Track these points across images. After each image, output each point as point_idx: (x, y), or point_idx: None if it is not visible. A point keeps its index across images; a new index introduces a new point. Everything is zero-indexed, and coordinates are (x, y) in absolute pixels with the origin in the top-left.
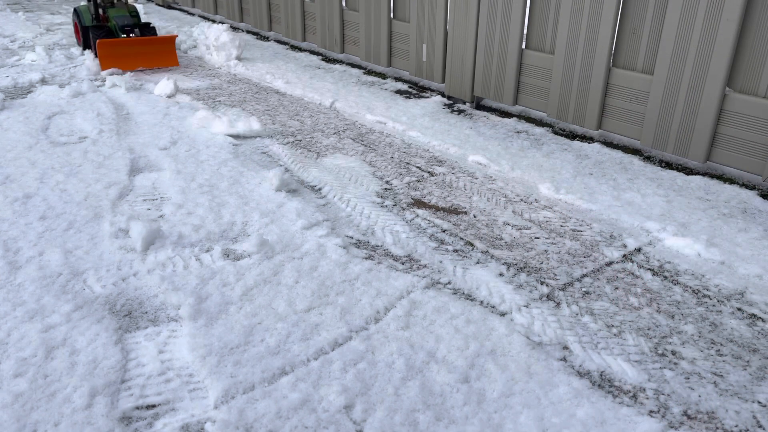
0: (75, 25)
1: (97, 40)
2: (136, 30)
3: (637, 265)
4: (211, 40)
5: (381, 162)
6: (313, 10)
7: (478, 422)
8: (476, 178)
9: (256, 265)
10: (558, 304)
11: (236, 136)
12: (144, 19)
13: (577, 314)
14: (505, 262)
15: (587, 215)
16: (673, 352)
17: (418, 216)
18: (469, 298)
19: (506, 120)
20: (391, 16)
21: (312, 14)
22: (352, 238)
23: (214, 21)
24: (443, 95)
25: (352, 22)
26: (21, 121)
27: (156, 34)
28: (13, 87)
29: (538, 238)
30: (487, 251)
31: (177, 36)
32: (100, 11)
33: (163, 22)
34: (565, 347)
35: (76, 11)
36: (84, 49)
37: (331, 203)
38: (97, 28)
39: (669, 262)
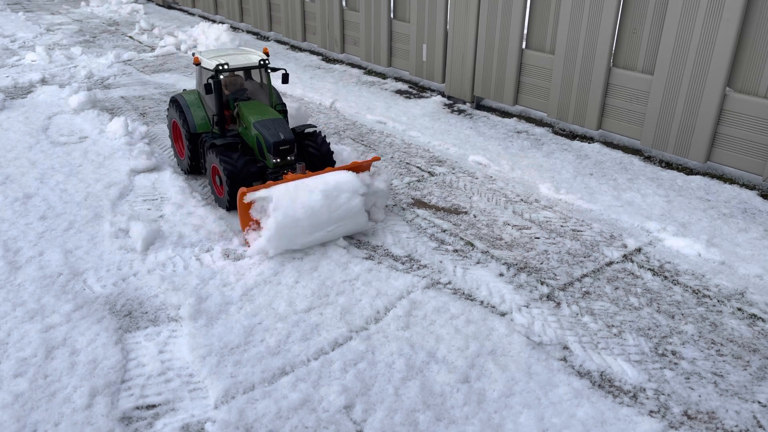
0: (173, 127)
1: (242, 192)
2: (293, 149)
3: (638, 265)
4: (211, 41)
5: (381, 162)
6: (313, 10)
7: (478, 422)
8: (476, 178)
9: (256, 265)
10: (558, 304)
11: None
12: (144, 18)
13: (577, 314)
14: (506, 262)
15: (587, 215)
16: (674, 352)
17: (418, 216)
18: (470, 298)
19: (506, 120)
20: (391, 16)
21: (312, 14)
22: (352, 238)
23: (214, 21)
24: (443, 95)
25: (352, 22)
26: (21, 121)
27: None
28: (13, 87)
29: (538, 238)
30: (487, 251)
31: (378, 158)
32: (224, 108)
33: (163, 22)
34: (566, 347)
35: (176, 104)
36: (188, 172)
37: None
38: (219, 140)
39: (669, 262)
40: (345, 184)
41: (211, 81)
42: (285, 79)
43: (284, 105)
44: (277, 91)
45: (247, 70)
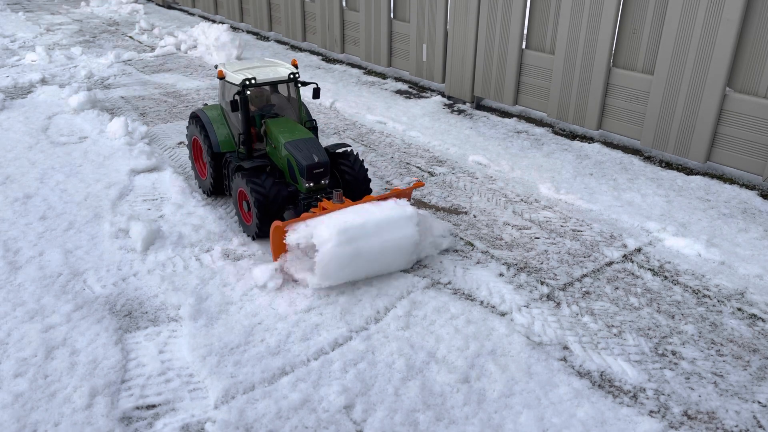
0: (194, 144)
1: (275, 225)
2: (325, 175)
3: (638, 265)
4: (211, 40)
5: (381, 162)
6: (313, 10)
7: (479, 422)
8: (476, 178)
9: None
10: (558, 304)
11: None
12: (144, 18)
13: (577, 314)
14: (505, 262)
15: (587, 215)
16: (674, 352)
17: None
18: (470, 298)
19: (506, 120)
20: (391, 16)
21: (312, 14)
22: None
23: (214, 21)
24: (443, 95)
25: (352, 22)
26: (21, 121)
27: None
28: (13, 87)
29: (538, 238)
30: (488, 251)
31: (421, 184)
32: (251, 125)
33: (163, 22)
34: (566, 347)
35: (197, 120)
36: (211, 193)
37: None
38: (247, 163)
39: (669, 262)
40: (398, 217)
41: (237, 97)
42: (316, 93)
43: (314, 122)
44: (306, 106)
45: (275, 84)
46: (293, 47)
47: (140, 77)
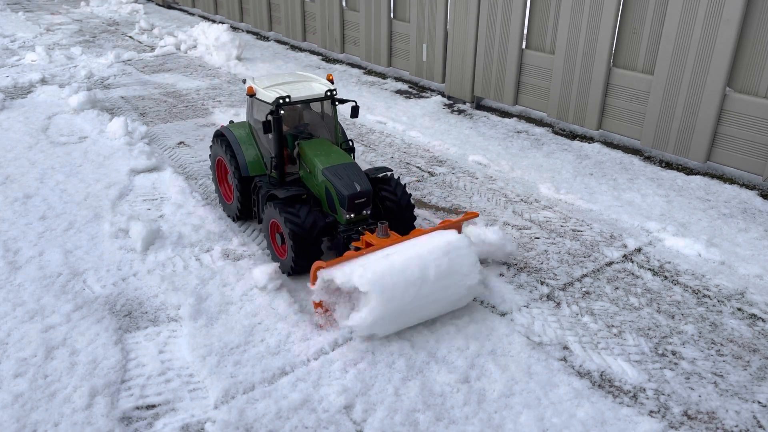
0: (218, 165)
1: (319, 268)
2: (367, 203)
3: (638, 265)
4: (211, 40)
5: (381, 162)
6: (313, 10)
7: (479, 422)
8: (476, 178)
9: (256, 265)
10: (558, 304)
11: None
12: (144, 18)
13: (577, 314)
14: (505, 262)
15: (587, 215)
16: (674, 353)
17: (418, 216)
18: None
19: (506, 120)
20: (391, 16)
21: (312, 14)
22: None
23: (214, 21)
24: (443, 95)
25: (352, 22)
26: (21, 121)
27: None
28: (13, 87)
29: (538, 238)
30: None
31: (475, 215)
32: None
33: (163, 21)
34: (566, 347)
35: (222, 139)
36: (237, 218)
37: None
38: (281, 192)
39: (669, 262)
40: (455, 255)
41: (270, 118)
42: (355, 112)
43: (350, 142)
44: (342, 126)
45: (311, 102)
46: (293, 47)
47: (140, 77)
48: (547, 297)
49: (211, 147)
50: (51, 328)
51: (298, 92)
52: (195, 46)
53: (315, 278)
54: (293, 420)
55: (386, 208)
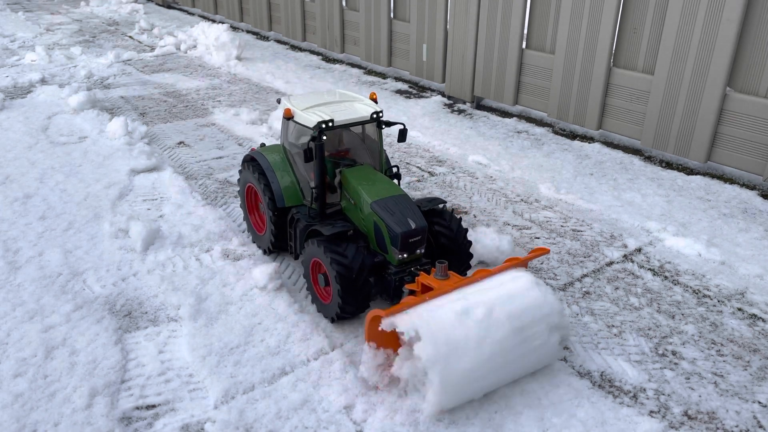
0: (247, 193)
1: (376, 318)
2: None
3: (638, 265)
4: (211, 40)
5: None
6: (313, 10)
7: (479, 422)
8: (476, 178)
9: (256, 265)
10: None
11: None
12: (144, 18)
13: (577, 314)
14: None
15: (588, 215)
16: (674, 353)
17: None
18: None
19: (506, 120)
20: (391, 15)
21: (312, 14)
22: None
23: (213, 21)
24: (443, 95)
25: (352, 22)
26: (21, 121)
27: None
28: (13, 87)
29: (538, 238)
30: None
31: (546, 251)
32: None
33: (163, 21)
34: (566, 347)
35: (254, 164)
36: (270, 252)
37: None
38: (326, 228)
39: (669, 262)
40: (533, 301)
41: (311, 144)
42: (402, 136)
43: (395, 168)
44: (386, 154)
45: (356, 125)
46: (293, 47)
47: (140, 77)
48: None
49: (240, 172)
50: (51, 328)
51: (341, 115)
52: (195, 46)
53: (374, 332)
54: (293, 420)
55: (440, 244)
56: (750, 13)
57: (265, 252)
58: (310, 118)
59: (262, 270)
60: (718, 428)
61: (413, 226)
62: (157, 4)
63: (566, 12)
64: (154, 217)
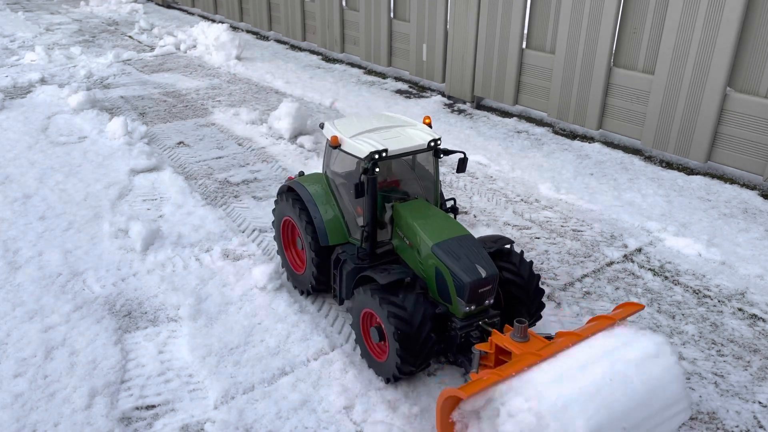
0: (283, 227)
1: (447, 395)
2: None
3: (638, 265)
4: (210, 40)
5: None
6: (313, 10)
7: None
8: (476, 178)
9: (256, 265)
10: (559, 304)
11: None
12: (144, 18)
13: (577, 314)
14: None
15: (588, 215)
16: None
17: None
18: None
19: (506, 120)
20: (391, 15)
21: (312, 14)
22: None
23: (213, 21)
24: (443, 95)
25: (352, 22)
26: (21, 121)
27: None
28: (12, 87)
29: (538, 238)
30: None
31: (641, 307)
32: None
33: (162, 21)
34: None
35: (293, 196)
36: (310, 294)
37: None
38: (382, 276)
39: (670, 262)
40: (652, 375)
41: (363, 179)
42: (462, 166)
43: (451, 201)
44: (440, 188)
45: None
46: (293, 47)
47: (140, 77)
48: (548, 297)
49: (276, 203)
50: (50, 329)
51: (395, 143)
52: (194, 46)
53: (446, 418)
54: (293, 420)
55: (508, 293)
56: (750, 14)
57: (303, 293)
58: (361, 148)
59: (262, 270)
60: (718, 428)
61: (483, 274)
62: (156, 3)
63: (566, 12)
64: (154, 217)
